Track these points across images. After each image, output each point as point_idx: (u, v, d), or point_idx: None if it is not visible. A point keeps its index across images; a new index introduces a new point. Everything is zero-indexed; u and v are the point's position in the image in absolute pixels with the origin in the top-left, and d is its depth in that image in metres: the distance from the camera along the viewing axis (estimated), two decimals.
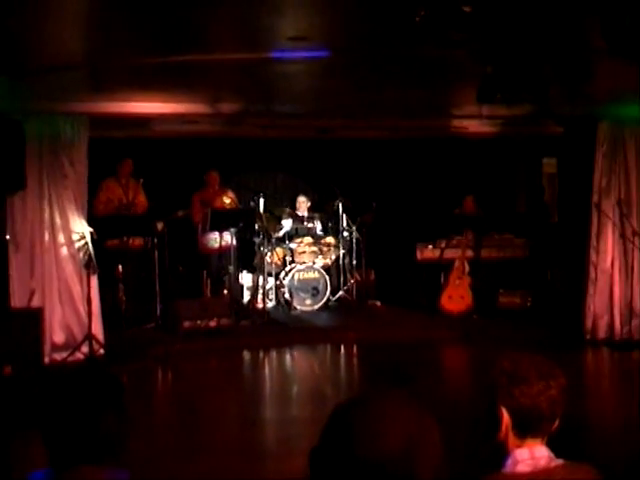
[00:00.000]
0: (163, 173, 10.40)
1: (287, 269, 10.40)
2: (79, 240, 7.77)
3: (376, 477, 1.34)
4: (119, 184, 9.24)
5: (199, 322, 8.82)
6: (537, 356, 2.06)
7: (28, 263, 7.63)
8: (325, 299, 10.28)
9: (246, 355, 8.64)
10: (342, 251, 10.72)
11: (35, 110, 7.56)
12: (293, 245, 10.55)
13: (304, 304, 10.21)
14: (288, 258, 10.60)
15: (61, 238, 7.76)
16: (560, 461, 2.01)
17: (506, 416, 2.03)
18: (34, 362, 7.18)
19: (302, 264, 10.39)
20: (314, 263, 10.46)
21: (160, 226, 9.16)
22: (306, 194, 11.19)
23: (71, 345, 7.77)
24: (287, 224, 10.63)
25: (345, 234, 10.70)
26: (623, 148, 8.64)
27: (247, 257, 10.64)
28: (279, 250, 10.51)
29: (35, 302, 7.61)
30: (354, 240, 10.67)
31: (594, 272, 8.68)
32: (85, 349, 7.72)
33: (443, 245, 10.32)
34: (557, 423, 2.05)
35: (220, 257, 9.87)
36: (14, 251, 7.58)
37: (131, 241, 8.94)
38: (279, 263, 10.53)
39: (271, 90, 7.54)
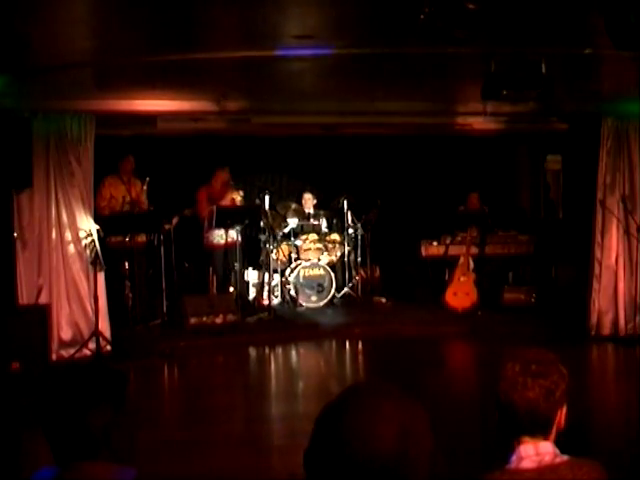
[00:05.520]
0: (169, 171, 10.41)
1: (292, 266, 10.41)
2: (86, 237, 7.81)
3: (370, 474, 1.32)
4: (121, 181, 9.17)
5: (205, 318, 8.86)
6: (539, 354, 2.03)
7: (35, 260, 7.68)
8: (330, 296, 10.31)
9: (252, 351, 8.68)
10: (347, 248, 10.73)
11: (42, 108, 7.60)
12: (298, 242, 10.57)
13: (309, 301, 10.24)
14: (293, 255, 10.62)
15: (68, 235, 7.81)
16: (565, 457, 2.01)
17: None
18: (41, 358, 7.22)
19: (307, 261, 10.41)
20: (319, 260, 10.48)
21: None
22: (311, 191, 11.20)
23: (78, 342, 7.81)
24: (292, 221, 10.64)
25: (350, 231, 10.71)
26: (627, 145, 8.65)
27: (253, 254, 10.68)
28: (284, 247, 10.53)
29: (42, 299, 7.66)
30: (359, 237, 10.69)
31: (599, 268, 8.69)
32: (92, 346, 7.76)
33: (448, 242, 10.33)
34: (558, 424, 2.02)
35: (226, 254, 9.89)
36: (21, 248, 7.63)
37: (136, 238, 8.96)
38: (284, 260, 10.54)
39: (276, 88, 7.55)
